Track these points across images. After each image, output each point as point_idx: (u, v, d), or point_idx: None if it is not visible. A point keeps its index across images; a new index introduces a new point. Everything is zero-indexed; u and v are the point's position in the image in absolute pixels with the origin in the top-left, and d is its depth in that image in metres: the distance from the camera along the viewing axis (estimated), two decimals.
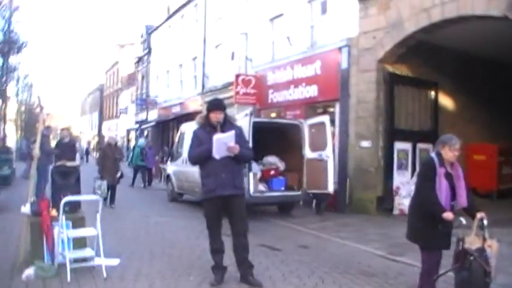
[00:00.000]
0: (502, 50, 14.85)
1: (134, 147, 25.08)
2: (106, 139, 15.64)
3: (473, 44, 14.46)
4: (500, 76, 17.21)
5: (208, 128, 6.35)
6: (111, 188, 14.35)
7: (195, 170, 14.35)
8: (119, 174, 14.91)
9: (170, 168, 17.35)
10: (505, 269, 7.62)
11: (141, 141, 24.97)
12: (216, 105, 6.48)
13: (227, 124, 6.39)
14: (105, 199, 12.73)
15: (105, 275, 6.44)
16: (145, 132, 38.38)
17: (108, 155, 14.66)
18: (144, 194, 17.93)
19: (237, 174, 6.42)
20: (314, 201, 13.90)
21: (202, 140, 6.30)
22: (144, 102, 39.21)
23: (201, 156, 6.30)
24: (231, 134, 6.19)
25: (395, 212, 13.55)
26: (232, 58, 22.08)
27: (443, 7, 11.91)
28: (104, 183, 12.15)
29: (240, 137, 6.38)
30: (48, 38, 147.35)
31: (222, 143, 6.14)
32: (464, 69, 15.94)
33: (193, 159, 6.52)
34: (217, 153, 6.14)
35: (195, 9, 29.46)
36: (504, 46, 14.18)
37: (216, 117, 6.31)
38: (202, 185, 6.46)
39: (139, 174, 22.92)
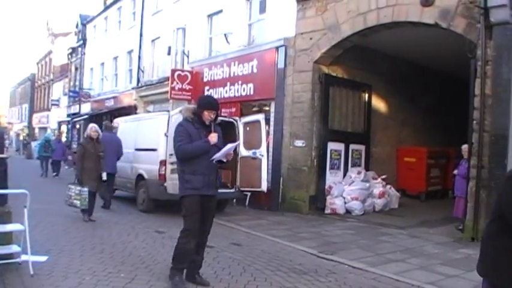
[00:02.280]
0: (434, 56, 15.34)
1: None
2: (87, 131, 11.75)
3: (408, 49, 14.88)
4: (432, 81, 17.77)
5: (197, 125, 6.21)
6: (91, 196, 11.12)
7: (126, 165, 14.32)
8: (104, 177, 11.77)
9: None
10: (432, 267, 7.88)
11: (48, 133, 28.13)
12: (214, 105, 6.33)
13: (215, 124, 6.36)
14: (83, 210, 11.06)
15: (32, 272, 6.27)
16: (78, 126, 37.55)
17: (90, 151, 11.35)
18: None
19: (217, 176, 6.42)
20: (248, 199, 14.00)
21: (192, 135, 6.12)
22: (77, 95, 38.28)
23: (195, 153, 6.08)
24: (237, 144, 6.37)
25: (327, 211, 13.76)
26: (169, 53, 21.86)
27: (379, 12, 12.18)
28: (85, 191, 10.73)
29: (221, 137, 6.42)
30: None
31: (228, 150, 6.19)
32: (398, 74, 16.37)
33: (187, 155, 6.13)
34: (219, 157, 6.14)
35: (133, 2, 29.03)
36: (436, 53, 14.65)
37: (211, 116, 6.21)
38: (185, 181, 6.17)
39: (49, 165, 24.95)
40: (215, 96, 17.29)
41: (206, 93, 18.28)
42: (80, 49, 39.70)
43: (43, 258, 7.12)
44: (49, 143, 25.59)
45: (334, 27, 13.38)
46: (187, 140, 6.09)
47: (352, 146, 15.19)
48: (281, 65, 14.84)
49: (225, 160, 6.26)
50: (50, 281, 6.17)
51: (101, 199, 13.08)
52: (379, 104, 16.55)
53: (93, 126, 11.87)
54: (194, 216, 6.11)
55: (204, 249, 6.50)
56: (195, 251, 6.24)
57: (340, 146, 14.81)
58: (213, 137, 6.13)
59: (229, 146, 6.23)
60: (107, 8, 34.12)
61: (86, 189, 10.75)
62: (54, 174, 24.81)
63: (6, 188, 7.52)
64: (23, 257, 6.54)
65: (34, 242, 6.74)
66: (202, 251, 6.44)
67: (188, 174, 6.13)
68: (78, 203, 10.76)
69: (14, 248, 6.72)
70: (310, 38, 14.02)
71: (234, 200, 14.27)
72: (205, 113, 6.18)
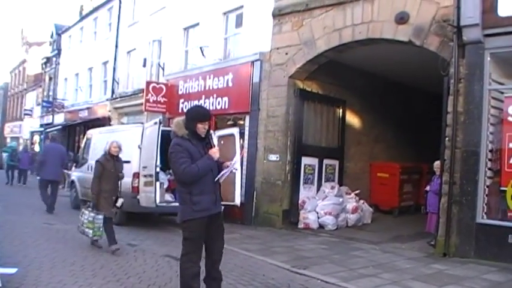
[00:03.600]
0: (409, 73, 15.54)
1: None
2: (106, 147, 9.97)
3: (382, 65, 15.04)
4: (406, 97, 17.95)
5: (194, 141, 5.70)
6: (109, 222, 9.59)
7: None
8: (119, 203, 10.08)
9: (75, 174, 16.89)
10: (405, 282, 7.91)
11: (13, 143, 29.78)
12: (206, 115, 5.85)
13: (209, 134, 6.00)
14: (95, 241, 9.71)
15: (0, 284, 6.17)
16: (49, 136, 37.16)
17: (110, 171, 9.72)
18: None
19: (219, 191, 5.97)
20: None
21: (192, 154, 5.60)
22: (51, 105, 37.89)
23: (202, 173, 5.59)
24: (237, 159, 6.04)
25: (300, 225, 13.75)
26: (144, 65, 21.80)
27: (354, 28, 12.30)
28: (100, 219, 9.35)
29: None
30: None
31: (232, 167, 5.90)
32: (372, 89, 16.52)
33: (195, 177, 5.57)
34: (225, 175, 5.84)
35: (109, 13, 28.94)
36: (410, 69, 14.84)
37: (205, 128, 5.75)
38: (192, 203, 5.59)
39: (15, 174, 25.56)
40: None
41: (181, 106, 18.25)
42: (54, 59, 39.37)
43: (12, 271, 6.98)
44: (15, 152, 26.23)
45: (309, 42, 13.47)
46: (189, 161, 5.56)
47: (325, 161, 15.24)
48: (256, 79, 14.86)
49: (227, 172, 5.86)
50: None
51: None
52: (353, 119, 16.67)
53: (114, 142, 10.06)
54: (197, 239, 5.70)
55: (220, 277, 6.00)
56: (211, 268, 5.89)
57: (314, 161, 14.85)
58: (215, 152, 5.73)
59: (234, 162, 5.93)
60: (82, 18, 33.95)
61: (100, 216, 9.37)
62: (20, 183, 25.19)
63: None
64: None
65: (3, 254, 6.63)
66: (218, 267, 5.96)
67: (196, 195, 5.62)
68: (90, 232, 9.40)
69: None
70: (286, 53, 14.09)
71: None
72: (199, 125, 5.69)
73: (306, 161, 14.58)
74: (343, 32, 12.62)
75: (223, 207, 6.00)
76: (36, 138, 43.89)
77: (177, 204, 12.39)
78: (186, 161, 5.52)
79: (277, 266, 8.92)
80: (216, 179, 5.76)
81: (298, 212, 14.00)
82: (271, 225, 13.72)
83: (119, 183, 10.13)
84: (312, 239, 12.13)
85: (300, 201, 14.19)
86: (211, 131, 6.11)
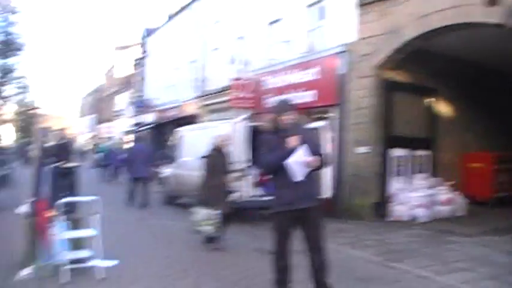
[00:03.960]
0: (500, 58, 14.89)
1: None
2: (215, 141, 9.69)
3: (472, 51, 14.49)
4: (498, 84, 17.24)
5: (280, 134, 5.63)
6: (225, 220, 9.31)
7: (191, 174, 14.51)
8: (232, 198, 10.01)
9: (167, 170, 17.34)
10: (502, 277, 7.64)
11: (107, 143, 31.86)
12: (282, 107, 5.80)
13: (298, 127, 5.83)
14: (211, 238, 9.31)
15: (102, 276, 6.45)
16: (136, 137, 38.35)
17: (219, 164, 9.44)
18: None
19: (312, 184, 5.76)
20: None
21: (274, 146, 5.60)
22: (142, 105, 39.15)
23: (272, 164, 5.61)
24: (301, 150, 5.48)
25: (391, 218, 13.54)
26: (232, 62, 22.08)
27: (441, 14, 11.93)
28: (215, 214, 9.04)
29: (312, 141, 5.75)
30: (48, 39, 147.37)
31: (298, 164, 5.47)
32: (462, 76, 15.96)
33: (266, 167, 5.79)
34: (298, 175, 5.51)
35: (194, 13, 29.47)
36: (502, 54, 14.22)
37: (286, 119, 5.67)
38: (276, 197, 5.72)
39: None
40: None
41: (267, 101, 18.35)
42: (143, 60, 40.57)
43: (113, 263, 7.32)
44: (108, 151, 28.05)
45: (395, 31, 13.19)
46: (268, 152, 5.65)
47: (416, 152, 14.93)
48: (342, 70, 14.73)
49: (310, 168, 5.52)
50: (119, 285, 6.37)
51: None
52: (444, 108, 16.21)
53: (224, 136, 9.87)
54: (283, 233, 5.67)
55: (321, 270, 5.73)
56: (311, 258, 5.72)
57: (404, 152, 14.59)
58: (291, 141, 5.49)
59: (291, 161, 5.49)
60: (169, 19, 34.74)
61: (217, 212, 9.03)
62: (115, 180, 26.64)
63: (77, 195, 7.81)
64: (94, 262, 6.76)
65: (104, 247, 6.91)
66: (319, 272, 5.72)
67: (278, 189, 5.72)
68: (209, 229, 9.00)
69: (86, 253, 6.96)
70: (372, 43, 13.87)
71: None
72: (281, 118, 5.69)
73: (396, 152, 14.35)
74: (429, 17, 12.27)
75: (315, 202, 5.70)
76: (129, 137, 45.36)
77: (267, 198, 12.56)
78: (265, 153, 5.67)
79: (369, 259, 8.83)
80: (293, 179, 5.53)
81: (389, 205, 13.79)
82: (361, 218, 13.56)
83: (227, 177, 9.72)
84: (403, 232, 11.89)
85: (390, 194, 13.96)
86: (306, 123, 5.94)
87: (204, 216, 8.98)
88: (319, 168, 5.74)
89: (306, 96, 16.14)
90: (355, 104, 14.30)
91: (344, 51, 14.73)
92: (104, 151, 29.27)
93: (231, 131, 12.64)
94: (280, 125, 5.70)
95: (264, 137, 5.86)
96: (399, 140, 14.41)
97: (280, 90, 17.61)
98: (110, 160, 27.18)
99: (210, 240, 9.27)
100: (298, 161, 5.47)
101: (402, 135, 14.59)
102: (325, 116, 15.43)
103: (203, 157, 9.60)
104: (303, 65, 16.55)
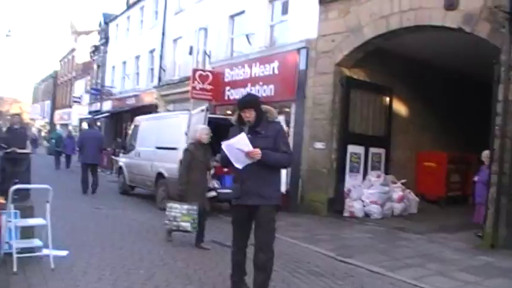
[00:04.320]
0: (456, 61, 15.18)
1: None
2: (196, 134, 9.21)
3: (430, 53, 14.72)
4: (455, 86, 17.57)
5: (244, 129, 5.48)
6: (200, 216, 8.75)
7: (147, 163, 14.47)
8: (211, 195, 9.96)
9: (122, 160, 17.21)
10: (450, 273, 7.83)
11: (59, 130, 31.87)
12: (242, 102, 5.64)
13: (263, 122, 5.52)
14: (198, 234, 8.86)
15: (52, 266, 6.36)
16: (98, 123, 37.89)
17: (199, 160, 8.90)
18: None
19: (263, 182, 5.43)
20: None
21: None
22: (99, 92, 38.68)
23: (224, 160, 5.54)
24: (241, 137, 5.28)
25: (346, 214, 13.70)
26: (190, 53, 21.94)
27: (402, 15, 12.12)
28: (194, 209, 8.61)
29: (275, 137, 5.47)
30: (3, 21, 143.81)
31: (235, 149, 5.28)
32: (420, 77, 16.21)
33: (221, 160, 5.74)
34: (237, 161, 5.31)
35: (155, 2, 29.23)
36: (459, 57, 14.51)
37: (246, 116, 5.47)
38: (232, 189, 5.81)
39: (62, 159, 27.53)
40: (236, 96, 17.34)
41: (227, 93, 18.37)
42: (102, 47, 40.09)
43: (64, 253, 7.23)
44: (60, 139, 28.40)
45: (356, 30, 13.34)
46: None
47: (372, 150, 15.16)
48: (302, 66, 14.83)
49: (254, 161, 5.27)
50: (70, 275, 6.26)
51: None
52: (400, 107, 16.47)
53: (204, 129, 9.35)
54: (236, 225, 5.73)
55: (262, 270, 5.49)
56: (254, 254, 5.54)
57: (360, 149, 14.78)
58: (239, 138, 5.32)
59: (226, 142, 5.37)
60: (129, 7, 34.38)
61: (195, 207, 8.61)
62: (68, 168, 27.04)
63: (29, 182, 7.66)
64: (44, 251, 6.66)
65: (55, 237, 6.81)
66: (259, 272, 5.50)
67: (233, 181, 5.83)
68: (188, 225, 8.62)
69: (36, 242, 6.86)
70: (332, 40, 13.99)
71: None
72: (241, 113, 5.58)
73: (352, 149, 14.52)
74: (390, 18, 12.46)
75: (264, 201, 5.45)
76: (85, 125, 44.85)
77: (223, 190, 12.55)
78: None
79: (322, 253, 8.93)
80: (233, 164, 5.39)
81: (343, 201, 13.94)
82: (316, 213, 13.70)
83: (208, 173, 9.54)
84: (357, 228, 12.09)
85: (345, 190, 14.13)
86: (272, 119, 5.69)
87: (183, 211, 8.63)
88: (282, 166, 5.76)
89: (265, 90, 16.18)
90: (313, 100, 14.41)
91: (305, 47, 14.82)
92: (57, 138, 29.49)
93: (189, 122, 12.60)
94: (242, 120, 5.56)
95: (231, 129, 5.67)
96: (355, 137, 14.59)
97: (241, 83, 17.64)
98: (63, 147, 27.28)
99: (170, 233, 9.06)
100: (232, 145, 5.29)
101: (359, 132, 14.78)
102: (284, 110, 15.53)
103: (184, 150, 9.25)
104: (264, 59, 16.59)
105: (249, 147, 5.21)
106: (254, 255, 5.49)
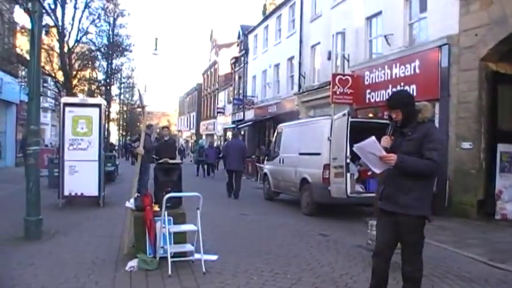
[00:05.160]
0: None
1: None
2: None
3: None
4: None
5: (396, 129, 5.16)
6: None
7: (291, 169, 14.67)
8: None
9: (267, 167, 17.58)
10: None
11: (200, 141, 34.25)
12: (388, 103, 5.20)
13: (413, 123, 5.02)
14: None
15: (204, 269, 6.64)
16: (242, 132, 39.03)
17: None
18: (240, 193, 18.34)
19: (401, 188, 4.95)
20: None
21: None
22: (241, 102, 39.88)
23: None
24: (369, 141, 4.90)
25: (497, 216, 13.01)
26: (329, 58, 21.99)
27: None
28: None
29: (422, 140, 4.87)
30: (149, 39, 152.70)
31: (367, 153, 4.95)
32: None
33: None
34: (373, 165, 4.99)
35: (291, 10, 29.65)
36: None
37: (393, 116, 5.10)
38: (427, 202, 5.13)
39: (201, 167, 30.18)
40: (377, 99, 17.09)
41: (367, 96, 18.20)
42: (242, 58, 41.32)
43: (213, 257, 7.54)
44: (202, 148, 30.28)
45: (501, 21, 12.64)
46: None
47: None
48: (445, 64, 14.34)
49: (390, 166, 4.86)
50: (220, 278, 6.50)
51: None
52: None
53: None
54: (378, 232, 5.41)
55: (410, 266, 5.17)
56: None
57: (511, 148, 13.98)
58: (384, 141, 5.08)
59: (358, 145, 5.00)
60: (266, 18, 35.14)
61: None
62: (204, 174, 29.74)
63: (181, 191, 8.07)
64: (196, 256, 6.99)
65: (205, 242, 7.11)
66: (406, 268, 5.18)
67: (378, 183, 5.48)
68: None
69: (188, 247, 7.20)
70: (475, 35, 13.37)
71: None
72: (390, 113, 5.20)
73: (502, 147, 13.74)
74: None
75: (402, 210, 4.96)
76: (229, 134, 46.35)
77: (368, 195, 12.41)
78: None
79: (473, 258, 8.53)
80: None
81: (494, 203, 13.25)
82: (465, 216, 13.13)
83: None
84: (510, 231, 11.40)
85: (496, 191, 13.42)
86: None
87: None
88: (423, 175, 4.90)
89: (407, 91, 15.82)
90: (457, 98, 13.86)
91: (446, 44, 14.32)
92: (199, 148, 31.49)
93: (331, 127, 12.65)
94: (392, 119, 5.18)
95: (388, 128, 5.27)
96: (506, 135, 13.79)
97: (381, 85, 17.41)
98: (204, 156, 29.13)
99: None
100: (364, 149, 4.96)
101: (509, 129, 13.96)
102: None
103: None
104: (404, 59, 16.26)
105: (381, 151, 4.85)
106: (401, 265, 5.20)
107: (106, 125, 25.53)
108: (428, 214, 5.07)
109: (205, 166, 29.93)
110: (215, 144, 38.04)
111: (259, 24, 36.85)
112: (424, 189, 5.03)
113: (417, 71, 15.59)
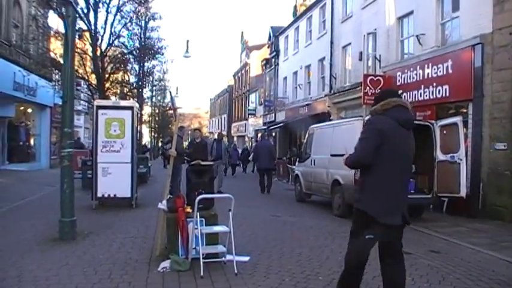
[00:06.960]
0: None
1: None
2: None
3: None
4: None
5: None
6: None
7: (322, 171, 14.62)
8: None
9: (298, 168, 17.55)
10: None
11: (225, 144, 36.99)
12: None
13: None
14: None
15: (236, 271, 6.66)
16: (273, 133, 39.08)
17: None
18: (272, 194, 18.27)
19: (360, 187, 5.17)
20: (445, 205, 13.55)
21: None
22: (272, 104, 39.89)
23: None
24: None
25: None
26: (360, 58, 21.89)
27: None
28: None
29: None
30: (181, 42, 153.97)
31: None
32: None
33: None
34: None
35: (322, 11, 29.58)
36: None
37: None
38: (372, 198, 4.94)
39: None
40: (409, 100, 16.93)
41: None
42: (273, 60, 41.29)
43: (245, 259, 7.55)
44: (227, 150, 29.71)
45: None
46: None
47: None
48: (478, 63, 14.13)
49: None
50: (252, 280, 6.50)
51: None
52: None
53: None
54: (367, 250, 5.27)
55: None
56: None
57: None
58: None
59: None
60: (297, 19, 35.17)
61: None
62: (233, 175, 30.48)
63: (212, 192, 8.12)
64: (228, 257, 7.01)
65: (236, 243, 7.12)
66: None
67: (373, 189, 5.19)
68: None
69: (220, 248, 7.23)
70: (510, 33, 13.15)
71: (431, 206, 13.83)
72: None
73: None
74: None
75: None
76: (259, 135, 46.58)
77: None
78: None
79: (508, 261, 8.38)
80: None
81: None
82: (499, 218, 12.92)
83: None
84: None
85: None
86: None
87: None
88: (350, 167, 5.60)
89: (440, 91, 15.69)
90: (491, 98, 13.65)
91: (479, 43, 14.11)
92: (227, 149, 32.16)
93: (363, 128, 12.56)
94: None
95: None
96: None
97: (413, 85, 17.25)
98: (228, 158, 29.13)
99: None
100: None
101: None
102: (461, 111, 14.94)
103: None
104: (436, 59, 16.07)
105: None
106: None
107: (138, 127, 25.75)
108: (368, 210, 4.92)
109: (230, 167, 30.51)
110: (244, 146, 38.53)
111: (289, 26, 36.87)
112: (367, 185, 5.07)
113: (450, 71, 15.39)
